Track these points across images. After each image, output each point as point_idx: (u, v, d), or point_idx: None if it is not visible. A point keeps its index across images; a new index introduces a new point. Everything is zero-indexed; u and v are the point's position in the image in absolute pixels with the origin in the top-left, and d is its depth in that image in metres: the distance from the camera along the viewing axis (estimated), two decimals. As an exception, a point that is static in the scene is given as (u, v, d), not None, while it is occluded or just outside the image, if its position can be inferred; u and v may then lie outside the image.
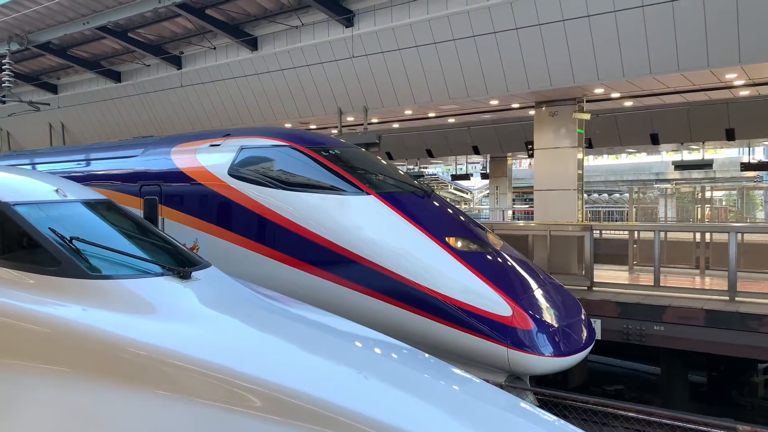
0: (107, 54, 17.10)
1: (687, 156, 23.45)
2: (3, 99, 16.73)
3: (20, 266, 3.46)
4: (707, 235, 11.11)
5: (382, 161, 8.56)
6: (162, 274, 3.66)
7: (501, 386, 4.95)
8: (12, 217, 3.69)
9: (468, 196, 43.20)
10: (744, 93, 13.34)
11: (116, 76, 17.87)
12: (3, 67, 15.91)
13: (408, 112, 15.04)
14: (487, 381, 3.66)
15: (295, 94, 14.60)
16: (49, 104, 18.56)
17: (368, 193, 7.05)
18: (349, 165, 7.53)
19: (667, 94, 13.01)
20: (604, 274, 10.25)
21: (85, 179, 8.92)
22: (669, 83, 11.62)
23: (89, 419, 2.86)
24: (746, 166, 20.48)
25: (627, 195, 25.49)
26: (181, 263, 3.94)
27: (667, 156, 32.73)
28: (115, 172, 9.20)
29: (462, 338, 6.11)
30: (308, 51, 13.63)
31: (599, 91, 12.09)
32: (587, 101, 12.76)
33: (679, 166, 21.59)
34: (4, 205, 3.75)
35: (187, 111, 16.91)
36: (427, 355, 3.64)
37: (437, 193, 8.53)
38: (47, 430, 2.89)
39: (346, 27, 12.75)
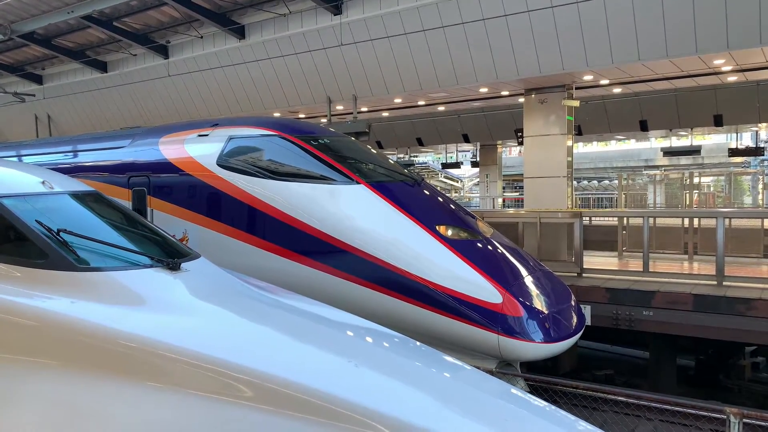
0: (93, 44, 16.89)
1: (676, 142, 23.57)
2: (-13, 90, 16.53)
3: (7, 259, 3.43)
4: (695, 221, 11.20)
5: (372, 150, 8.54)
6: (151, 266, 3.64)
7: (492, 373, 4.98)
8: (-2, 210, 3.65)
9: (458, 185, 43.25)
10: (732, 79, 13.39)
11: (102, 66, 17.67)
12: (-14, 57, 15.71)
13: (397, 100, 15.00)
14: (478, 368, 3.68)
15: (284, 83, 14.50)
16: (34, 95, 18.35)
17: (358, 182, 7.04)
18: (339, 154, 7.50)
19: (656, 81, 13.05)
20: (594, 260, 10.32)
21: (73, 171, 8.84)
22: (657, 69, 11.65)
23: (79, 412, 2.85)
24: (734, 152, 20.64)
25: (616, 182, 25.62)
26: (170, 254, 3.92)
27: (656, 142, 32.91)
28: (102, 163, 9.13)
29: (453, 326, 6.14)
30: (296, 39, 13.53)
31: (588, 77, 12.10)
32: (576, 88, 12.77)
33: (668, 152, 21.72)
34: (-11, 197, 3.71)
35: (174, 101, 16.76)
36: (418, 343, 3.66)
37: (427, 181, 8.52)
38: (37, 423, 2.87)
39: (335, 15, 12.67)
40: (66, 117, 19.81)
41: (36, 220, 3.62)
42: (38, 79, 19.53)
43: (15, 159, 10.56)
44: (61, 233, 3.55)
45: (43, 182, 4.16)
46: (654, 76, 12.32)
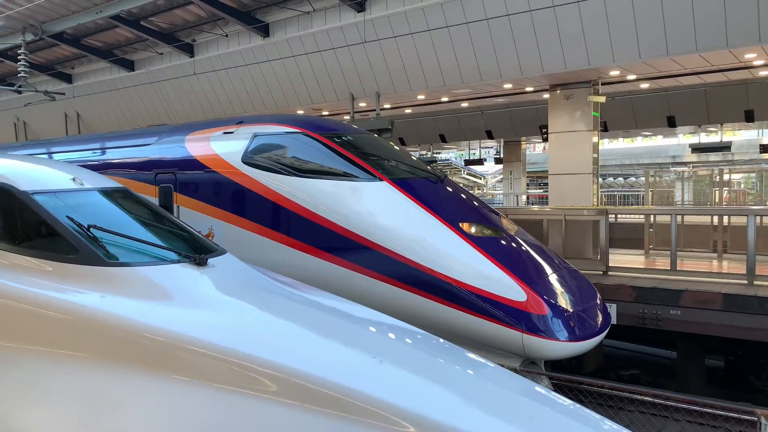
0: (120, 43, 17.16)
1: (704, 138, 23.11)
2: (19, 89, 16.88)
3: (39, 254, 3.50)
4: (725, 219, 10.98)
5: (395, 147, 8.53)
6: (178, 261, 3.69)
7: (516, 371, 4.94)
8: (31, 206, 3.73)
9: (481, 182, 43.02)
10: (763, 73, 13.10)
11: (129, 65, 17.94)
12: (18, 57, 16.03)
13: (420, 96, 14.96)
14: (502, 366, 3.66)
15: (307, 81, 14.57)
16: (64, 94, 18.69)
17: (381, 179, 7.03)
18: (362, 151, 7.51)
19: (685, 76, 12.82)
20: (620, 258, 10.18)
21: (101, 168, 8.99)
22: (686, 64, 11.44)
23: (107, 404, 2.89)
24: (766, 148, 20.16)
25: (643, 179, 25.22)
26: (197, 250, 3.97)
27: (683, 138, 32.30)
28: (130, 160, 9.27)
29: (476, 323, 6.11)
30: (320, 37, 13.58)
31: (615, 73, 11.94)
32: (602, 84, 12.61)
33: (697, 148, 21.31)
34: (22, 194, 3.79)
35: (200, 99, 16.95)
36: (441, 340, 3.65)
37: (450, 178, 8.50)
38: (66, 415, 2.93)
39: (358, 12, 12.68)
40: (94, 115, 20.16)
41: (67, 216, 3.69)
42: (68, 78, 19.90)
43: (46, 156, 10.78)
44: (91, 229, 3.61)
45: (73, 179, 4.24)
46: (683, 71, 12.11)
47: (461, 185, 10.67)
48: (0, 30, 16.20)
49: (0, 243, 3.58)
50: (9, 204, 3.80)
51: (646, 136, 31.38)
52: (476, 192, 36.63)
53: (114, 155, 9.84)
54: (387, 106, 16.15)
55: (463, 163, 36.85)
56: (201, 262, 3.73)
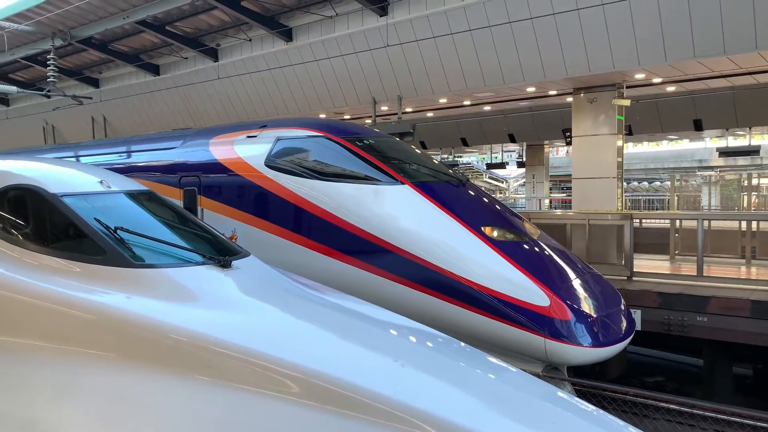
0: (146, 48, 17.43)
1: (732, 142, 22.70)
2: (48, 93, 17.24)
3: (68, 255, 3.56)
4: (753, 224, 10.76)
5: (416, 150, 8.53)
6: (203, 263, 3.73)
7: (538, 376, 4.90)
8: (60, 208, 3.80)
9: (503, 185, 42.76)
10: (794, 76, 12.83)
11: (155, 70, 18.21)
12: (48, 62, 16.39)
13: (443, 100, 14.94)
14: (524, 371, 3.63)
15: (330, 85, 14.64)
16: (91, 98, 19.04)
17: (402, 183, 7.04)
18: (384, 155, 7.52)
19: (712, 78, 12.61)
20: (644, 263, 10.04)
21: (127, 171, 9.13)
22: (714, 67, 11.25)
23: (132, 404, 2.93)
24: (795, 152, 19.73)
25: (667, 183, 24.84)
26: (221, 252, 4.01)
27: (710, 142, 31.77)
28: (155, 163, 9.40)
29: (498, 328, 6.07)
30: (342, 41, 13.64)
31: (640, 76, 11.79)
32: (627, 87, 12.47)
33: (724, 152, 20.94)
34: (52, 196, 3.87)
35: (224, 103, 17.13)
36: (462, 343, 3.63)
37: (472, 182, 8.47)
38: (94, 413, 2.97)
39: (381, 16, 12.71)
40: (120, 118, 20.50)
41: (95, 218, 3.75)
42: (95, 83, 20.27)
43: (74, 159, 10.99)
44: (118, 231, 3.67)
45: (100, 182, 4.31)
46: (710, 73, 11.91)
47: (483, 189, 10.61)
48: (30, 35, 16.57)
49: (30, 244, 3.65)
50: (39, 206, 3.87)
51: (671, 139, 30.91)
52: (498, 196, 36.41)
53: (140, 158, 9.99)
54: (409, 109, 16.15)
55: (484, 167, 36.71)
56: (225, 264, 3.77)
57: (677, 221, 11.41)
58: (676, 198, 19.44)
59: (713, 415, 5.23)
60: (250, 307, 3.55)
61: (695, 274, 8.90)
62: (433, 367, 3.11)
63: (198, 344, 2.97)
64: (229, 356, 2.89)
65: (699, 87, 14.10)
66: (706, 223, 10.34)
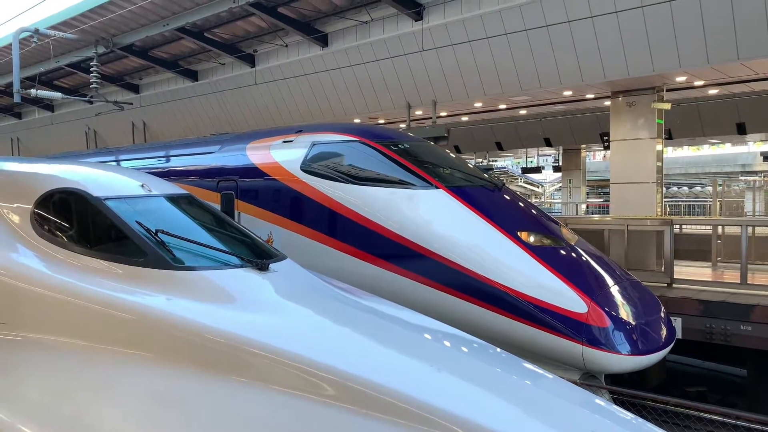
0: (185, 54, 17.79)
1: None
2: (91, 99, 17.75)
3: (110, 257, 3.64)
4: (801, 231, 10.42)
5: (451, 155, 8.50)
6: (241, 266, 3.78)
7: (575, 384, 4.81)
8: (103, 211, 3.90)
9: (539, 190, 42.26)
10: (843, 77, 12.37)
11: (193, 76, 18.57)
12: (91, 69, 16.87)
13: (478, 104, 14.86)
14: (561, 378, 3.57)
15: (365, 90, 14.70)
16: (132, 104, 19.51)
17: (437, 187, 7.02)
18: (418, 159, 7.52)
19: (756, 81, 12.25)
20: (685, 270, 9.80)
21: (166, 175, 9.33)
22: (758, 69, 10.93)
23: (171, 403, 2.98)
24: None
25: (709, 188, 24.19)
26: (258, 255, 4.06)
27: (754, 146, 30.85)
28: (193, 168, 9.57)
29: (534, 334, 6.00)
30: (378, 46, 13.69)
31: (681, 79, 11.52)
32: (667, 90, 12.19)
33: (769, 157, 20.32)
34: (95, 199, 3.97)
35: (260, 108, 17.36)
36: (498, 349, 3.60)
37: (508, 186, 8.39)
38: (132, 413, 3.03)
39: (416, 21, 12.72)
40: (159, 124, 20.95)
41: (136, 221, 3.84)
42: (135, 89, 20.77)
43: (115, 163, 11.27)
44: (158, 233, 3.75)
45: (142, 185, 4.41)
46: (754, 76, 11.58)
47: (518, 193, 10.52)
48: (74, 43, 17.07)
49: (74, 246, 3.75)
50: (83, 209, 3.98)
51: (713, 143, 30.12)
52: (534, 201, 36.00)
53: (178, 163, 10.19)
54: (443, 114, 16.10)
55: (519, 172, 36.36)
56: (263, 267, 3.81)
57: (719, 227, 11.10)
58: (718, 203, 18.92)
59: (759, 427, 5.06)
60: (287, 309, 3.59)
61: (739, 281, 8.65)
62: (469, 372, 3.09)
63: (235, 345, 3.02)
64: (265, 358, 2.93)
65: (742, 90, 13.71)
66: (750, 229, 10.05)
